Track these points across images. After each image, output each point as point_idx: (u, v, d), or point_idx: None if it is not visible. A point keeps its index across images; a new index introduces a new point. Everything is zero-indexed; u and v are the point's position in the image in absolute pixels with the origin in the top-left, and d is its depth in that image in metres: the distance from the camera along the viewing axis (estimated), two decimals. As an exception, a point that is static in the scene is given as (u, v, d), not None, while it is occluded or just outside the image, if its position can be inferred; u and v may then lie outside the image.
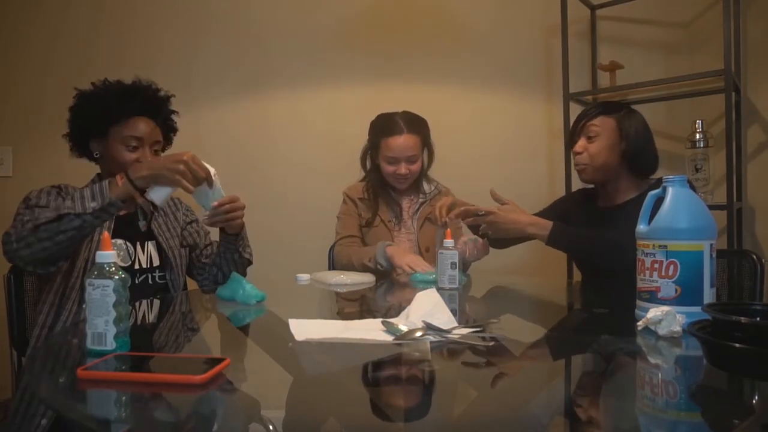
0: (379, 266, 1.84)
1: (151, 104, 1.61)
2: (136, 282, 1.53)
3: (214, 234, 1.71)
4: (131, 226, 1.59)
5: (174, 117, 1.70)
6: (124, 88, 1.58)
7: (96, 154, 1.59)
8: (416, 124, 1.98)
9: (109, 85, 1.59)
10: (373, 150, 2.04)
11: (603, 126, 1.61)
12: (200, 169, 1.37)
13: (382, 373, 0.87)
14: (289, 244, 2.51)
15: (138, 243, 1.58)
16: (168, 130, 1.69)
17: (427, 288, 1.15)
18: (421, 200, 2.06)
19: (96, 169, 1.64)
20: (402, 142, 1.93)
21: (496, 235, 1.64)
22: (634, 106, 1.72)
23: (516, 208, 1.64)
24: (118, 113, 1.54)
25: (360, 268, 1.85)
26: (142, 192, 1.38)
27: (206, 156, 2.54)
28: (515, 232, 1.61)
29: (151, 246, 1.60)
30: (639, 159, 1.61)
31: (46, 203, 1.41)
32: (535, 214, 1.81)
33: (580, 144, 1.65)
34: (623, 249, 1.31)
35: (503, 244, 1.89)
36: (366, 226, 2.01)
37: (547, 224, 1.59)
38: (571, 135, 1.71)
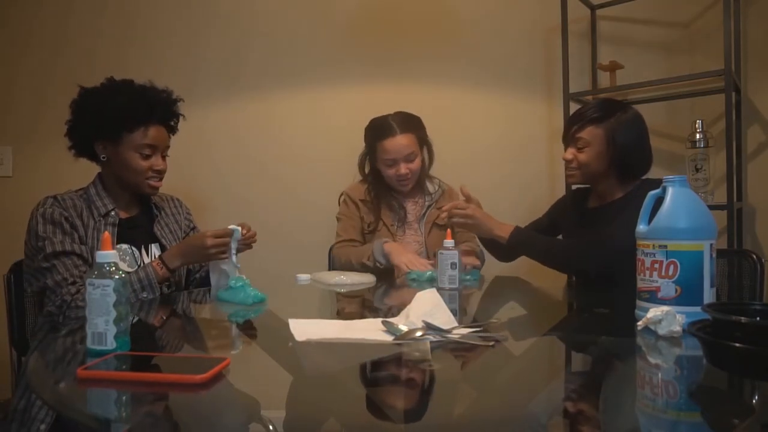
0: (378, 264, 1.83)
1: (168, 113, 1.60)
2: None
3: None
4: (134, 230, 1.58)
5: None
6: (143, 96, 1.53)
7: (103, 158, 1.54)
8: (409, 123, 1.98)
9: (122, 88, 1.54)
10: (371, 155, 2.04)
11: (591, 136, 1.60)
12: (223, 245, 1.49)
13: (382, 373, 0.87)
14: (291, 243, 2.51)
15: (142, 246, 1.57)
16: (170, 131, 1.68)
17: (421, 286, 1.15)
18: (427, 203, 2.05)
19: (95, 168, 1.62)
20: (397, 142, 1.93)
21: (465, 228, 1.77)
22: (634, 107, 1.72)
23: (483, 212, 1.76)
24: (137, 122, 1.51)
25: (359, 268, 1.85)
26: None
27: (210, 155, 2.57)
28: (485, 232, 1.72)
29: (155, 248, 1.60)
30: (627, 165, 1.61)
31: (61, 248, 1.40)
32: (534, 222, 1.89)
33: (570, 152, 1.65)
34: (582, 254, 1.55)
35: (511, 257, 1.90)
36: (369, 231, 2.00)
37: (510, 228, 1.69)
38: (563, 139, 1.72)
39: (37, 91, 2.61)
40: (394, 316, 1.09)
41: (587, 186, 1.80)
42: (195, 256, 1.50)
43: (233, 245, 1.53)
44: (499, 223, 1.71)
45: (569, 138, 1.66)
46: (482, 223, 1.70)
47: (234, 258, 1.52)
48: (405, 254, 1.81)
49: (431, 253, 1.97)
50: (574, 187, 1.90)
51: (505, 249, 1.78)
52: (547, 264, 1.66)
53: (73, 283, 1.37)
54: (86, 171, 1.63)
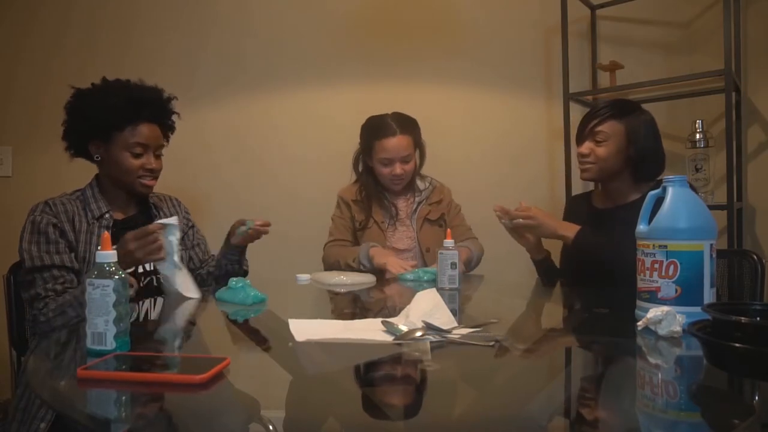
0: (362, 266, 1.87)
1: (158, 111, 1.59)
2: (141, 285, 1.52)
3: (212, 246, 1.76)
4: (131, 231, 1.58)
5: (174, 117, 1.69)
6: (130, 94, 1.54)
7: (97, 158, 1.55)
8: (408, 125, 1.99)
9: (112, 88, 1.55)
10: (365, 153, 2.05)
11: (612, 131, 1.59)
12: (147, 244, 1.37)
13: (382, 373, 0.87)
14: (290, 243, 2.51)
15: None
16: (167, 130, 1.68)
17: (413, 284, 1.15)
18: (417, 199, 2.06)
19: (94, 168, 1.62)
20: (396, 143, 1.94)
21: (528, 230, 1.67)
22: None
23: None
24: (125, 120, 1.51)
25: (345, 269, 1.88)
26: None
27: (210, 155, 2.57)
28: (548, 233, 1.64)
29: None
30: (644, 165, 1.60)
31: (40, 262, 1.39)
32: None
33: (587, 146, 1.64)
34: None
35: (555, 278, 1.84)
36: (360, 228, 2.02)
37: (575, 227, 1.61)
38: (579, 134, 1.69)
39: (37, 91, 2.61)
40: (394, 316, 1.09)
41: (588, 191, 1.80)
42: (127, 261, 1.36)
43: (171, 241, 1.43)
44: (562, 223, 1.65)
45: (587, 132, 1.64)
46: (545, 223, 1.62)
47: (176, 257, 1.44)
48: (387, 256, 1.87)
49: (424, 248, 2.00)
50: (580, 186, 1.89)
51: (554, 272, 1.77)
52: (611, 264, 1.51)
53: (45, 297, 1.37)
54: (86, 171, 1.63)
